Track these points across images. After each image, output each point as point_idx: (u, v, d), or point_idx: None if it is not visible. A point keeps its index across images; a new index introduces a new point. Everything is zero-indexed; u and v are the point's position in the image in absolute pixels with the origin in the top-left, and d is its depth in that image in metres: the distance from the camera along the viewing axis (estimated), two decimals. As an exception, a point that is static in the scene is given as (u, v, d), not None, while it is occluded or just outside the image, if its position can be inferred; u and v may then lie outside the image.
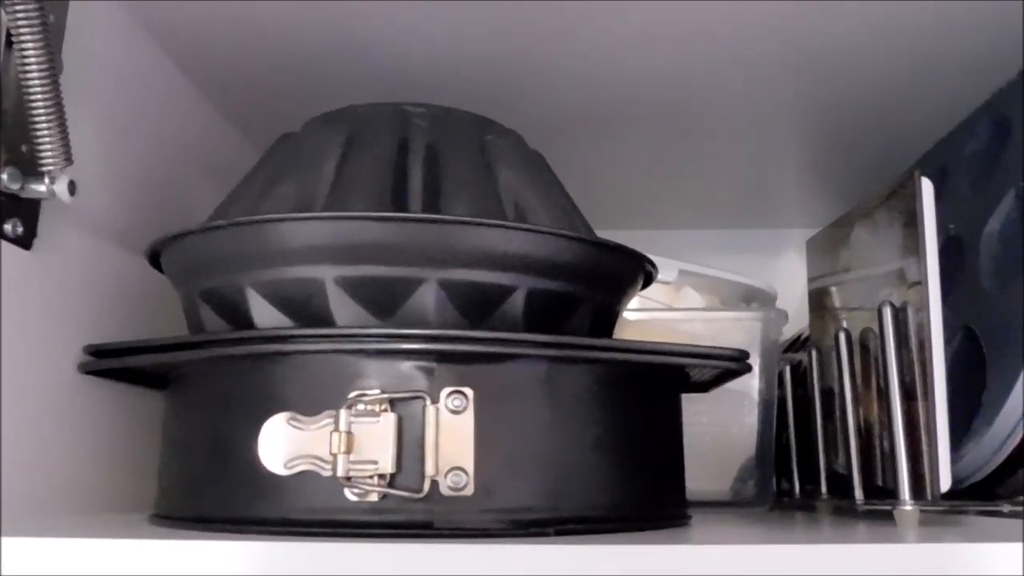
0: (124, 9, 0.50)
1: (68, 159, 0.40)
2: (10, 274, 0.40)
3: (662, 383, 0.42)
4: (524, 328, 0.38)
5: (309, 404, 0.34)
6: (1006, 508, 0.46)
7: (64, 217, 0.44)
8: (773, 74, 0.58)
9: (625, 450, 0.38)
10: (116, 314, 0.49)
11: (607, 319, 0.43)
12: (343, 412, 0.34)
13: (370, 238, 0.37)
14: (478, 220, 0.38)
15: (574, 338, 0.38)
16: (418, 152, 0.42)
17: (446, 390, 0.34)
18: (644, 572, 0.29)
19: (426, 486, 0.34)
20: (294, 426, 0.34)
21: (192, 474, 0.38)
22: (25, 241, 0.41)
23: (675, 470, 0.42)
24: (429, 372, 0.35)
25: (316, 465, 0.34)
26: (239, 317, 0.39)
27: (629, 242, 0.42)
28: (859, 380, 0.48)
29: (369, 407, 0.34)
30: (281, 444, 0.34)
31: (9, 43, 0.38)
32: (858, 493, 0.46)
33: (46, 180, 0.40)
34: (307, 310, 0.37)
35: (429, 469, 0.34)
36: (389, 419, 0.34)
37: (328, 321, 0.37)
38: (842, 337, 0.49)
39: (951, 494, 0.41)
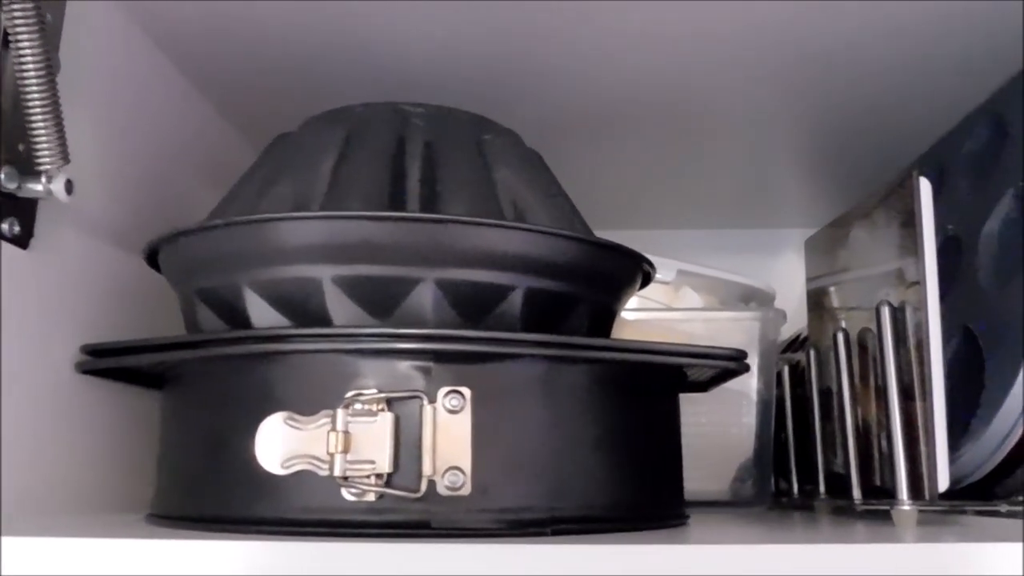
0: (121, 9, 0.50)
1: (65, 158, 0.40)
2: (7, 274, 0.40)
3: (660, 383, 0.42)
4: (522, 328, 0.38)
5: (306, 404, 0.34)
6: (1004, 508, 0.46)
7: (61, 216, 0.44)
8: (773, 74, 0.58)
9: (623, 450, 0.38)
10: (113, 313, 0.49)
11: (605, 319, 0.43)
12: (340, 412, 0.34)
13: (367, 238, 0.37)
14: (476, 220, 0.38)
15: (572, 338, 0.38)
16: (416, 151, 0.42)
17: (443, 390, 0.34)
18: (642, 572, 0.29)
19: (423, 486, 0.34)
20: (291, 426, 0.34)
21: (189, 474, 0.38)
22: (22, 240, 0.41)
23: (673, 470, 0.42)
24: (426, 372, 0.35)
25: (313, 465, 0.34)
26: (236, 316, 0.39)
27: (628, 242, 0.42)
28: (857, 380, 0.48)
29: (366, 407, 0.34)
30: (278, 444, 0.34)
31: (6, 42, 0.38)
32: (856, 493, 0.46)
33: (43, 179, 0.40)
34: (304, 310, 0.37)
35: (426, 469, 0.34)
36: (386, 419, 0.34)
37: (325, 321, 0.37)
38: (840, 337, 0.49)
39: (949, 494, 0.41)
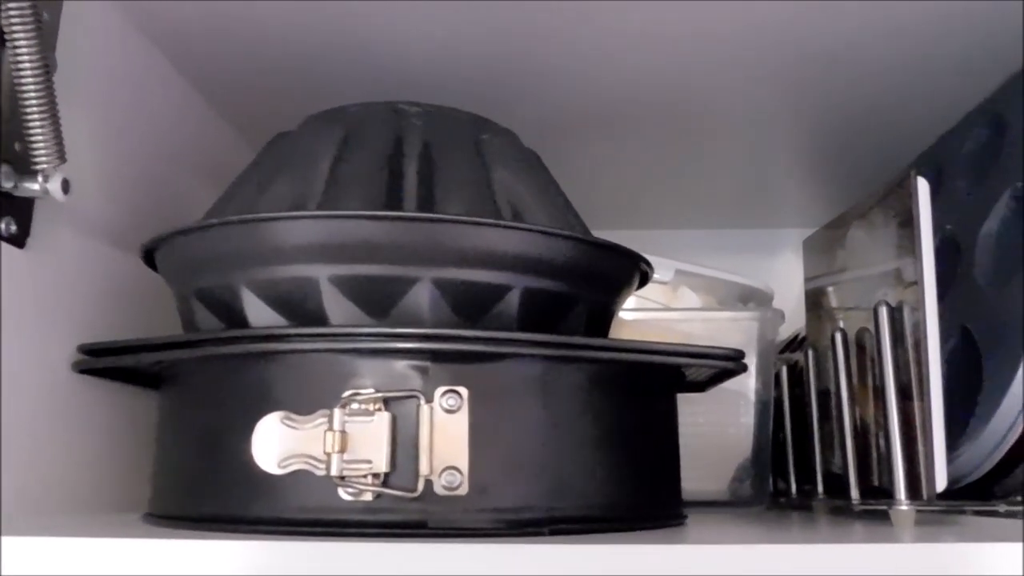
0: (118, 8, 0.50)
1: (62, 157, 0.40)
2: (4, 273, 0.40)
3: (658, 383, 0.42)
4: (519, 327, 0.38)
5: (303, 403, 0.34)
6: (1002, 508, 0.46)
7: (58, 216, 0.44)
8: (773, 74, 0.58)
9: (621, 450, 0.38)
10: (110, 313, 0.49)
11: (603, 319, 0.43)
12: (337, 411, 0.34)
13: (365, 237, 0.37)
14: (473, 219, 0.38)
15: (569, 337, 0.38)
16: (413, 151, 0.42)
17: (440, 389, 0.34)
18: (639, 572, 0.29)
19: (420, 485, 0.34)
20: (288, 425, 0.34)
21: (186, 473, 0.38)
22: (19, 240, 0.41)
23: (671, 470, 0.42)
24: (423, 371, 0.35)
25: (310, 464, 0.34)
26: (233, 316, 0.39)
27: (626, 241, 0.41)
28: (855, 380, 0.48)
29: (363, 406, 0.34)
30: (275, 443, 0.34)
31: (2, 42, 0.38)
32: (854, 493, 0.46)
33: (40, 178, 0.40)
34: (301, 309, 0.37)
35: (423, 468, 0.34)
36: (383, 418, 0.34)
37: (322, 320, 0.37)
38: (838, 337, 0.49)
39: (947, 494, 0.41)
